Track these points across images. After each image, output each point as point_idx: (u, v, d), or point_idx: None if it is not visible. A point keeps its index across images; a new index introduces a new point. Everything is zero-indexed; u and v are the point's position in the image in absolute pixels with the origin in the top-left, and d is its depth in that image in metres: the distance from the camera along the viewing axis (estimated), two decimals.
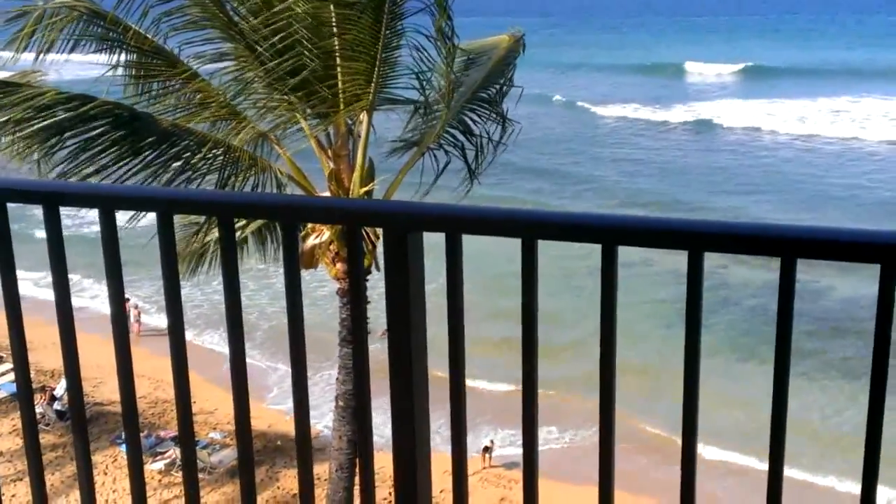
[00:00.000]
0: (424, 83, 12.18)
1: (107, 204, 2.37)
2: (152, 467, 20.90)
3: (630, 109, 69.39)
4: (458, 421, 2.22)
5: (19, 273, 2.58)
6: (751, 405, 21.94)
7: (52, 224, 2.44)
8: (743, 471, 20.30)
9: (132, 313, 28.20)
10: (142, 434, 22.23)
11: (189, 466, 2.65)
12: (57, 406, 22.72)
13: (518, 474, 2.18)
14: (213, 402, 22.56)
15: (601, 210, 31.43)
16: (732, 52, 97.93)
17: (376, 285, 3.73)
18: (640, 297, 29.03)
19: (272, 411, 22.77)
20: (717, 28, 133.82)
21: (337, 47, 11.94)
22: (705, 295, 1.93)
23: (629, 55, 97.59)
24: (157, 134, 11.88)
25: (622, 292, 2.08)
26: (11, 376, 22.95)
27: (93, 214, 2.40)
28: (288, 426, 21.78)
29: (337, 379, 14.07)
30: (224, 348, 22.53)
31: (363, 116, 12.69)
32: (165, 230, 2.34)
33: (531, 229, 2.04)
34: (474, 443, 20.63)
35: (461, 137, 13.82)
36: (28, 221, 24.38)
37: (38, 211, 2.42)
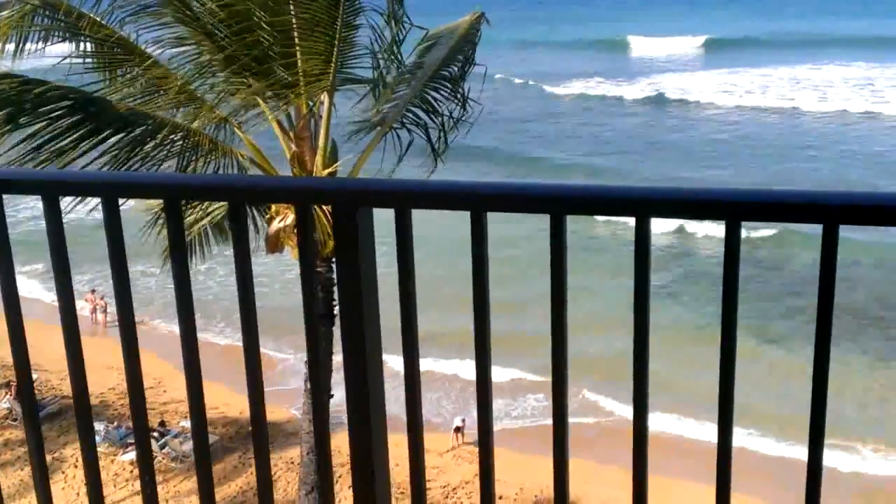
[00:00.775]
0: (382, 62, 12.10)
1: (49, 190, 2.29)
2: (123, 458, 20.75)
3: (593, 83, 69.52)
4: (414, 405, 2.18)
5: None
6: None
7: None
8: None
9: (98, 305, 27.88)
10: (112, 425, 22.00)
11: (142, 447, 2.68)
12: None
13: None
14: (182, 390, 22.32)
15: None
16: (692, 24, 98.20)
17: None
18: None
19: (242, 397, 22.61)
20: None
21: (295, 25, 11.81)
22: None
23: (589, 30, 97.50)
24: (114, 119, 11.67)
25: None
26: None
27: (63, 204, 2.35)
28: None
29: (305, 363, 14.00)
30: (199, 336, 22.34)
31: (324, 97, 12.57)
32: (111, 216, 2.26)
33: (480, 202, 2.02)
34: (443, 424, 20.56)
35: (423, 116, 13.74)
36: None
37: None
